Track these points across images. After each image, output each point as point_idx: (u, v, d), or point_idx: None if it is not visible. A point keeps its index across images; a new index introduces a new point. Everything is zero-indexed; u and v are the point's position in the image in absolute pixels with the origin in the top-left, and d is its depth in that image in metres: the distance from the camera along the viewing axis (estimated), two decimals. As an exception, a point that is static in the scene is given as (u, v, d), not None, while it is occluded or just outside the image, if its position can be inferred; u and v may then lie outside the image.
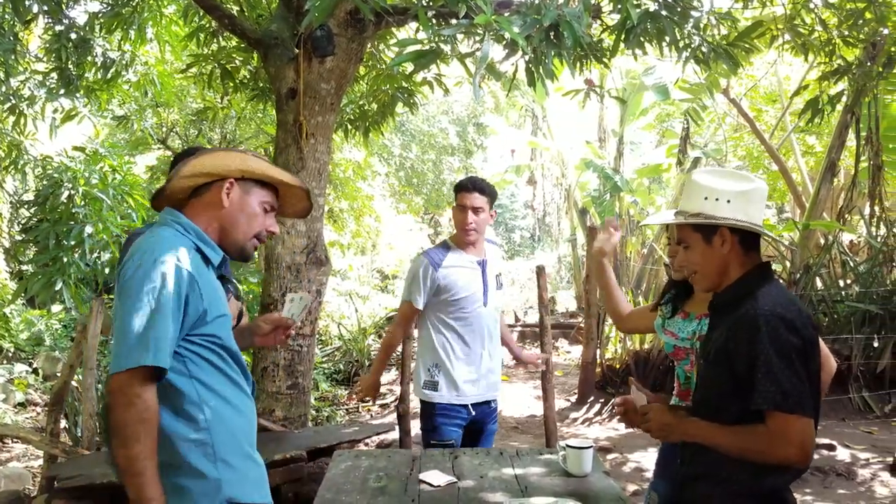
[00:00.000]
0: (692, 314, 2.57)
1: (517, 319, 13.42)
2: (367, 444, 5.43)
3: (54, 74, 6.49)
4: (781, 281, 7.15)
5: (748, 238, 1.93)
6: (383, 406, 7.60)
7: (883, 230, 7.76)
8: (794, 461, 1.75)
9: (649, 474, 4.46)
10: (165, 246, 1.75)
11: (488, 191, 3.33)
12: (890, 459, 5.22)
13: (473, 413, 3.40)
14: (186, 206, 1.90)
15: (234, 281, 2.08)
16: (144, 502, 1.66)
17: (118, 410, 1.65)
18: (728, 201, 1.89)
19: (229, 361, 1.88)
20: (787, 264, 7.78)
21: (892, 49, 5.44)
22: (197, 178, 1.87)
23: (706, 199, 1.92)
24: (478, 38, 3.57)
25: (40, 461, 5.14)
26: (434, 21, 4.40)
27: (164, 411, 1.73)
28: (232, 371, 1.89)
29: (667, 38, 4.22)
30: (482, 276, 3.37)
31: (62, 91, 6.57)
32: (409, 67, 5.48)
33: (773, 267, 7.83)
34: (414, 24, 5.32)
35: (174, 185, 1.87)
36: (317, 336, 5.10)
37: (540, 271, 5.29)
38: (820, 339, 1.90)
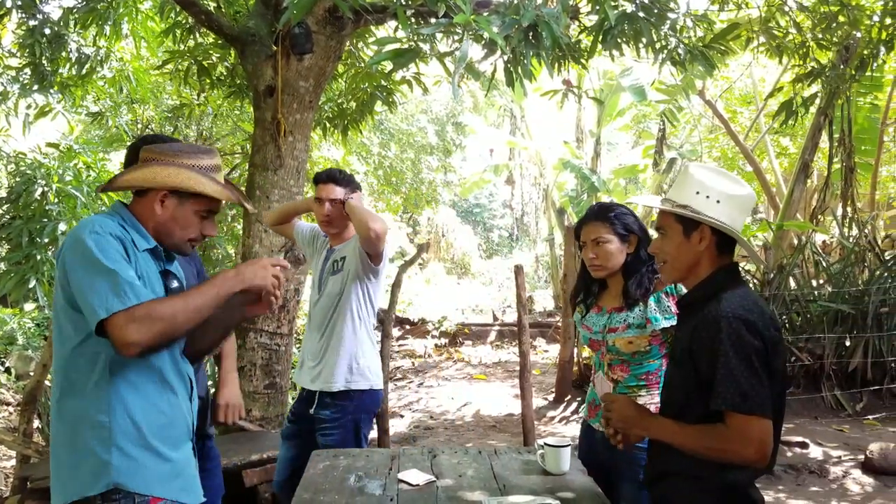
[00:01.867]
0: (604, 308, 2.65)
1: (495, 318, 13.47)
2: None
3: (28, 70, 6.40)
4: (755, 281, 7.25)
5: (726, 240, 1.95)
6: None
7: (855, 231, 7.88)
8: (752, 461, 1.78)
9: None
10: (95, 220, 1.91)
11: (343, 181, 3.24)
12: (862, 457, 5.30)
13: (297, 406, 3.36)
14: (133, 200, 2.03)
15: (182, 281, 2.07)
16: (212, 301, 1.86)
17: (142, 335, 1.74)
18: (718, 201, 1.90)
19: (160, 354, 1.92)
20: (761, 264, 7.87)
21: (865, 52, 5.52)
22: (131, 188, 2.01)
23: (697, 193, 1.92)
24: (457, 38, 3.58)
25: (13, 461, 5.07)
26: (413, 20, 4.40)
27: (77, 385, 1.84)
28: (160, 363, 1.93)
29: (644, 40, 4.26)
30: (323, 259, 3.38)
31: (36, 87, 6.48)
32: (388, 66, 5.48)
33: (747, 267, 7.94)
34: (393, 23, 5.31)
35: (112, 188, 2.02)
36: (294, 335, 5.07)
37: (518, 270, 5.32)
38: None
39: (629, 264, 2.55)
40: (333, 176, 3.23)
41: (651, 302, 2.50)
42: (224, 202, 2.09)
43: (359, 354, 3.26)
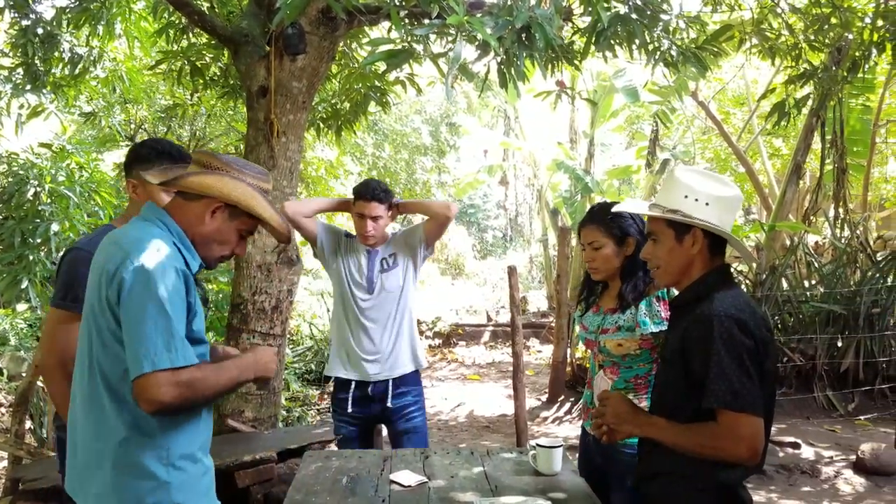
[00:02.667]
0: (601, 308, 2.68)
1: (489, 319, 13.48)
2: (337, 445, 5.40)
3: (20, 70, 6.36)
4: (747, 282, 7.27)
5: (717, 242, 1.97)
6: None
7: (847, 232, 7.92)
8: (743, 458, 1.79)
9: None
10: (161, 249, 1.79)
11: (385, 198, 3.40)
12: (853, 457, 5.33)
13: (359, 409, 3.46)
14: (171, 202, 1.95)
15: (203, 285, 2.06)
16: (236, 383, 1.88)
17: (173, 398, 1.70)
18: (707, 204, 1.91)
19: (205, 358, 1.92)
20: (753, 265, 7.90)
21: (857, 54, 5.54)
22: (197, 192, 1.90)
23: (686, 197, 1.93)
24: (450, 39, 3.58)
25: (4, 462, 5.05)
26: (406, 21, 4.39)
27: (125, 409, 1.77)
28: None
29: (636, 41, 4.27)
30: (368, 262, 3.50)
31: (28, 87, 6.45)
32: (382, 67, 5.48)
33: (740, 268, 7.97)
34: (386, 24, 5.31)
35: (179, 187, 1.92)
36: (288, 336, 5.06)
37: (511, 271, 5.33)
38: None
39: (626, 267, 2.57)
40: (377, 195, 3.37)
41: (642, 306, 2.51)
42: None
43: (416, 341, 3.58)
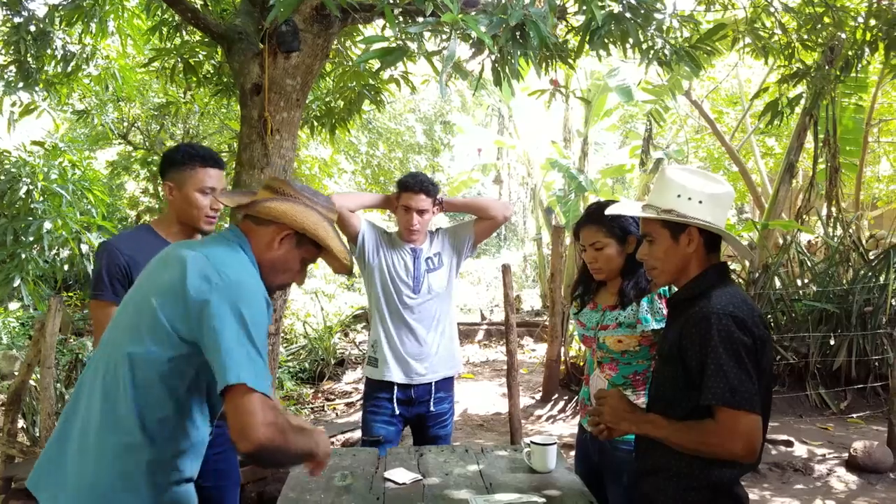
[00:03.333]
0: (599, 305, 2.67)
1: (483, 317, 13.49)
2: (331, 444, 5.40)
3: (13, 67, 6.33)
4: (740, 280, 7.29)
5: (712, 239, 1.98)
6: (349, 405, 7.57)
7: (839, 231, 7.95)
8: (740, 456, 1.79)
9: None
10: (253, 275, 1.80)
11: (434, 191, 3.31)
12: (846, 455, 5.35)
13: (404, 409, 3.36)
14: (242, 225, 1.92)
15: None
16: (312, 449, 1.81)
17: (271, 432, 1.60)
18: (700, 202, 1.92)
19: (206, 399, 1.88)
20: (747, 263, 7.92)
21: (850, 53, 5.56)
22: (268, 216, 1.88)
23: (679, 196, 1.93)
24: (444, 37, 3.58)
25: (-4, 462, 5.02)
26: (401, 18, 4.39)
27: (149, 440, 1.73)
28: (206, 403, 1.89)
29: (630, 40, 4.27)
30: (413, 262, 3.37)
31: (21, 84, 6.41)
32: (376, 64, 5.48)
33: (733, 266, 7.98)
34: (380, 21, 5.31)
35: (252, 211, 1.89)
36: (281, 335, 5.05)
37: (505, 270, 5.32)
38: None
39: (627, 264, 2.56)
40: (426, 187, 3.25)
41: (644, 303, 2.51)
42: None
43: (456, 343, 3.54)
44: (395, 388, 3.35)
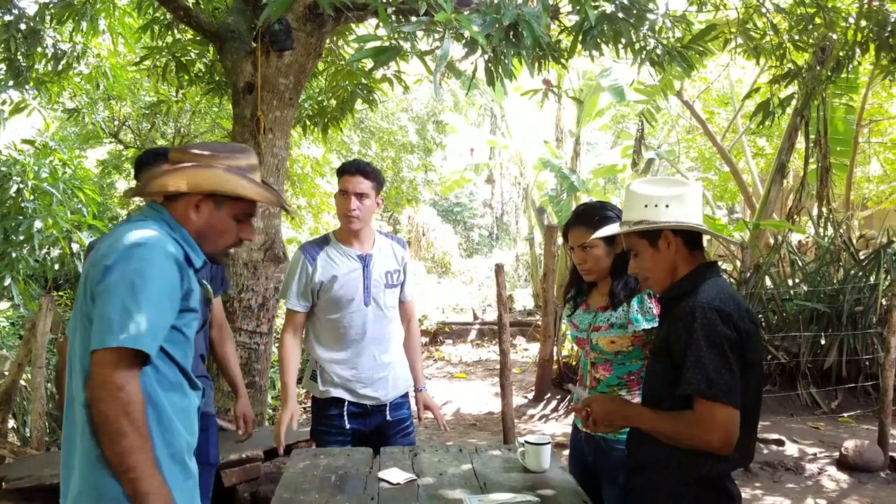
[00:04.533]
0: (592, 306, 2.68)
1: (475, 317, 13.49)
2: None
3: (3, 66, 6.30)
4: (732, 280, 7.32)
5: (691, 238, 2.04)
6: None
7: (830, 230, 7.99)
8: (716, 448, 1.82)
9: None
10: (155, 236, 1.74)
11: (373, 174, 3.03)
12: (837, 454, 5.37)
13: (356, 424, 3.09)
14: (167, 205, 1.88)
15: (206, 284, 2.04)
16: (140, 498, 1.61)
17: (101, 405, 1.60)
18: (667, 206, 1.99)
19: (185, 362, 1.85)
20: (738, 263, 7.95)
21: (841, 54, 5.59)
22: (169, 192, 1.85)
23: (646, 206, 2.01)
24: (438, 36, 3.58)
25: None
26: (394, 18, 4.39)
27: None
28: (181, 373, 1.85)
29: (623, 40, 4.28)
30: (362, 273, 3.07)
31: (11, 83, 6.38)
32: (369, 64, 5.47)
33: (724, 266, 8.01)
34: (373, 21, 5.30)
35: (149, 193, 1.88)
36: (274, 334, 5.04)
37: (498, 269, 5.32)
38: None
39: (616, 265, 2.56)
40: (362, 168, 3.01)
41: (634, 303, 2.52)
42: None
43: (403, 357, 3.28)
44: (346, 403, 3.09)
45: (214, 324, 3.09)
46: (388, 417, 3.15)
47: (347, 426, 3.07)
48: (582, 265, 2.60)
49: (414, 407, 3.36)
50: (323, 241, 3.14)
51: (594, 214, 2.55)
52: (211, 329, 3.08)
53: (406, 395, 3.26)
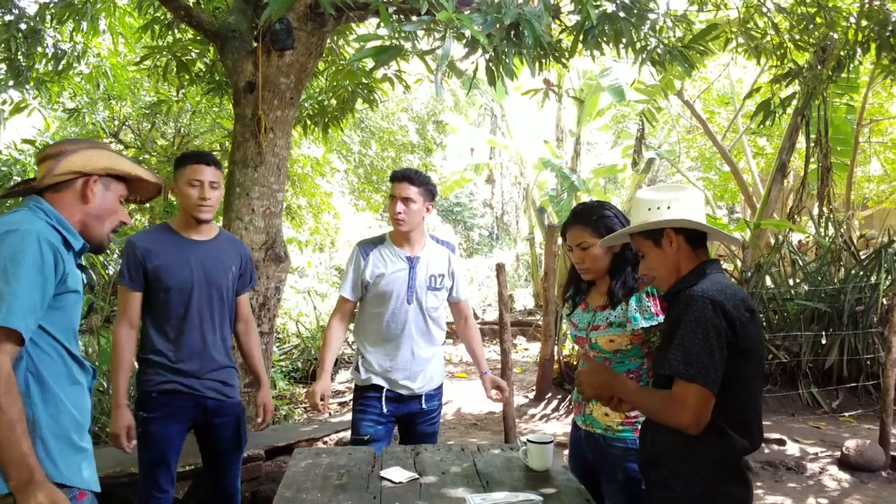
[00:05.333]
0: (591, 305, 2.70)
1: (476, 317, 13.48)
2: (325, 443, 5.39)
3: (3, 65, 6.30)
4: (733, 279, 7.31)
5: (693, 237, 2.12)
6: (342, 404, 7.55)
7: (831, 230, 7.98)
8: (685, 426, 1.88)
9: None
10: (27, 222, 1.82)
11: (419, 181, 3.25)
12: (838, 453, 5.37)
13: (393, 408, 3.34)
14: (44, 197, 1.95)
15: (91, 271, 2.18)
16: (6, 463, 1.72)
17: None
18: (668, 207, 2.09)
19: (70, 343, 1.93)
20: (738, 263, 7.94)
21: (842, 53, 5.59)
22: (66, 175, 1.94)
23: (649, 210, 2.12)
24: (439, 36, 3.58)
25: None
26: (395, 17, 4.39)
27: None
28: (68, 354, 1.94)
29: (624, 40, 4.28)
30: (408, 273, 3.31)
31: (11, 83, 6.39)
32: (370, 63, 5.47)
33: (725, 266, 8.01)
34: (374, 20, 5.30)
35: (50, 180, 1.92)
36: (275, 334, 5.04)
37: (500, 269, 5.32)
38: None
39: (614, 264, 2.57)
40: (408, 175, 3.26)
41: (632, 302, 2.52)
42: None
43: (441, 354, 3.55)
44: (384, 389, 3.34)
45: (241, 318, 3.27)
46: (423, 406, 3.39)
47: (385, 409, 3.31)
48: (580, 264, 2.61)
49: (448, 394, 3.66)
50: (379, 240, 3.42)
51: (592, 214, 2.57)
52: (237, 323, 3.25)
53: (440, 388, 3.50)
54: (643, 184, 13.59)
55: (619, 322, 2.53)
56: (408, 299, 3.30)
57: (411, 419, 3.40)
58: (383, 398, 3.31)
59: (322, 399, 3.22)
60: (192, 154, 3.06)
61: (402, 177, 3.26)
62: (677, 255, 2.10)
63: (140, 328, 3.01)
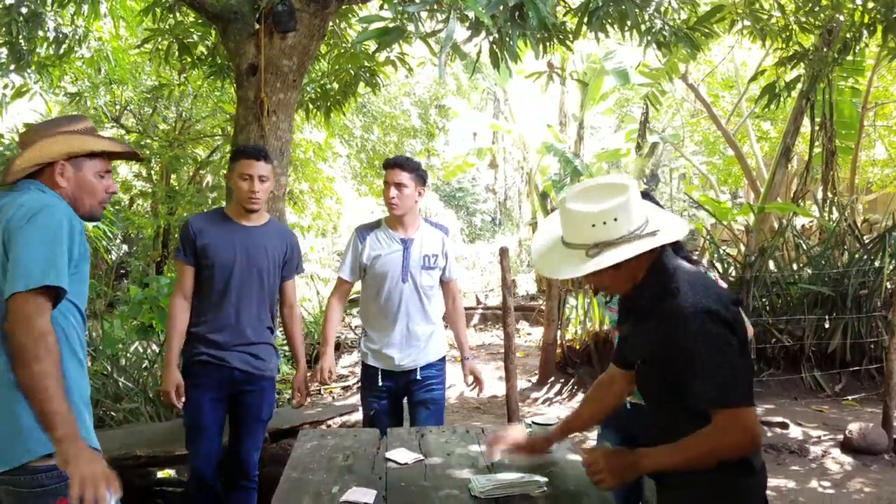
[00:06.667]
0: None
1: (478, 302, 13.49)
2: (328, 426, 5.41)
3: (4, 49, 6.27)
4: (737, 264, 7.30)
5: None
6: (345, 388, 7.58)
7: (835, 214, 7.96)
8: (746, 449, 1.79)
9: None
10: (54, 201, 1.98)
11: (410, 167, 3.43)
12: (841, 437, 5.38)
13: (391, 382, 3.53)
14: (37, 180, 2.06)
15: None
16: (48, 416, 1.78)
17: (18, 333, 1.80)
18: (615, 219, 1.82)
19: (77, 318, 2.04)
20: (742, 247, 7.94)
21: (847, 35, 5.55)
22: (30, 168, 2.04)
23: (594, 226, 1.83)
24: (442, 17, 3.55)
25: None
26: (398, -1, 4.35)
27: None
28: (82, 322, 2.07)
29: (629, 22, 4.25)
30: (402, 254, 3.48)
31: (13, 67, 6.35)
32: (372, 46, 5.43)
33: (729, 251, 7.99)
34: (376, 1, 5.26)
35: (12, 176, 2.03)
36: (278, 319, 5.04)
37: (503, 252, 5.31)
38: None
39: None
40: (400, 162, 3.45)
41: None
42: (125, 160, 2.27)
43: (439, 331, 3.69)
44: (379, 369, 3.55)
45: (286, 303, 3.56)
46: (418, 376, 3.54)
47: (381, 384, 3.51)
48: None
49: (446, 376, 3.74)
50: (375, 225, 3.60)
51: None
52: (283, 307, 3.56)
53: (440, 361, 3.65)
54: (646, 169, 13.55)
55: None
56: (402, 278, 3.47)
57: (409, 388, 3.57)
58: (379, 375, 3.51)
59: (330, 374, 3.47)
60: (245, 149, 3.38)
61: (394, 164, 3.45)
62: (634, 268, 1.89)
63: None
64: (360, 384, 3.65)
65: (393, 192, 3.41)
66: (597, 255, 1.83)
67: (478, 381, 3.69)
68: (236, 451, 3.38)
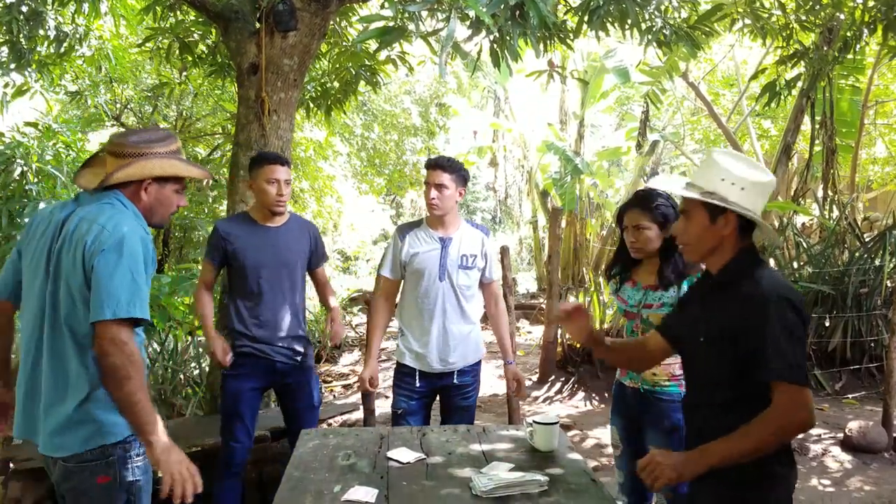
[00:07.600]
0: (639, 283, 2.92)
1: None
2: (329, 424, 5.42)
3: (5, 48, 6.27)
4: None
5: (747, 224, 2.01)
6: (346, 387, 7.59)
7: (835, 212, 7.96)
8: (808, 424, 1.85)
9: (609, 450, 4.54)
10: (125, 222, 2.12)
11: (451, 168, 3.43)
12: (841, 435, 5.38)
13: (426, 384, 3.56)
14: (124, 191, 2.23)
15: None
16: (142, 426, 2.02)
17: (111, 355, 1.98)
18: (742, 188, 1.96)
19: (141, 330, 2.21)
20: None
21: (848, 34, 5.55)
22: (123, 181, 2.21)
23: (723, 180, 1.97)
24: (443, 16, 3.55)
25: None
26: (399, -2, 4.35)
27: (89, 365, 2.08)
28: (140, 343, 2.19)
29: (629, 20, 4.25)
30: (440, 252, 3.50)
31: (13, 65, 6.35)
32: (373, 45, 5.44)
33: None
34: (377, 0, 5.26)
35: (107, 183, 2.18)
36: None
37: (504, 251, 5.32)
38: None
39: (665, 248, 2.80)
40: (440, 163, 3.45)
41: (684, 285, 2.75)
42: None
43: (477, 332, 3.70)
44: (417, 370, 3.58)
45: (320, 284, 3.87)
46: (455, 381, 3.58)
47: (418, 385, 3.55)
48: (633, 243, 2.85)
49: (480, 378, 3.77)
50: (416, 224, 3.65)
51: (652, 200, 2.80)
52: (317, 287, 3.90)
53: (476, 366, 3.68)
54: (647, 167, 13.54)
55: (672, 302, 2.74)
56: (440, 276, 3.50)
57: (446, 392, 3.63)
58: (417, 375, 3.55)
59: (372, 384, 3.58)
60: (268, 155, 3.58)
61: (435, 164, 3.45)
62: (724, 238, 2.00)
63: (227, 302, 3.61)
64: (392, 381, 3.69)
65: (433, 193, 3.42)
66: (709, 197, 1.97)
67: (520, 386, 3.72)
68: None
